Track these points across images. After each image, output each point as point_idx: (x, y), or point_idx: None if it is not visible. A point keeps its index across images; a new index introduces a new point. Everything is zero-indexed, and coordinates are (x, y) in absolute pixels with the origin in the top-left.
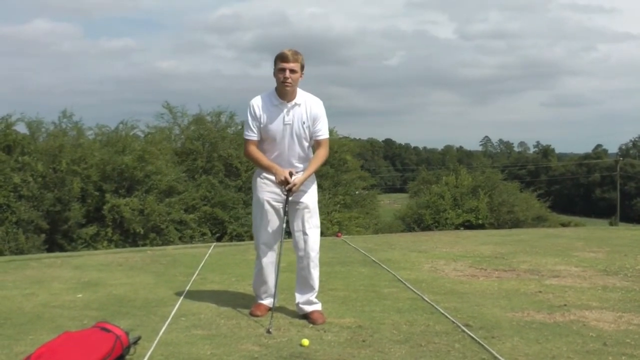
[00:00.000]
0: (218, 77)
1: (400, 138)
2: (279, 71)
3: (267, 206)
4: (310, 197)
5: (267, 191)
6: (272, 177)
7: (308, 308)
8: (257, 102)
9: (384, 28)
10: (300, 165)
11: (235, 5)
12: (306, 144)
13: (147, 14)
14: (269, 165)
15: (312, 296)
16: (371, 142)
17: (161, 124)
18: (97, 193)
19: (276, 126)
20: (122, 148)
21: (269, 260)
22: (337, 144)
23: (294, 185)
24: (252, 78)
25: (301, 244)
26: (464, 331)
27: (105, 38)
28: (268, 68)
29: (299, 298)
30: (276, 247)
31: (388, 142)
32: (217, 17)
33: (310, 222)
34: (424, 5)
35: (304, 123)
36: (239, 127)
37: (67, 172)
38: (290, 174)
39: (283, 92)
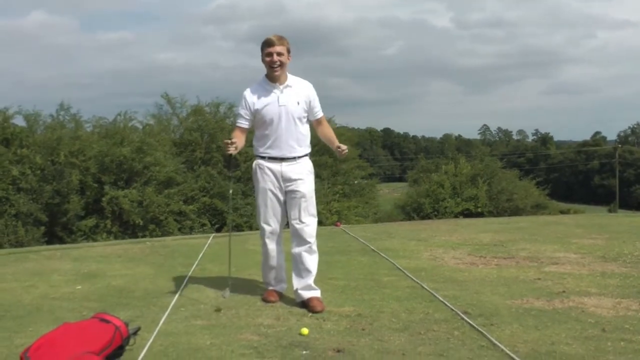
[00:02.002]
0: (215, 68)
1: (398, 127)
2: (266, 56)
3: (270, 194)
4: (308, 186)
5: (267, 180)
6: (270, 165)
7: (307, 294)
8: (248, 92)
9: (382, 18)
10: (299, 148)
11: None
12: (301, 125)
13: (143, 6)
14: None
15: (310, 280)
16: (370, 132)
17: (160, 115)
18: (95, 185)
19: (271, 109)
20: (121, 140)
21: (276, 247)
22: (335, 133)
23: (344, 150)
24: (249, 69)
25: (298, 232)
26: (463, 319)
27: (102, 31)
28: None
29: (297, 283)
30: (281, 233)
31: (387, 132)
32: (214, 8)
33: (307, 211)
34: None
35: (298, 103)
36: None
37: (65, 164)
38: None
39: (273, 76)
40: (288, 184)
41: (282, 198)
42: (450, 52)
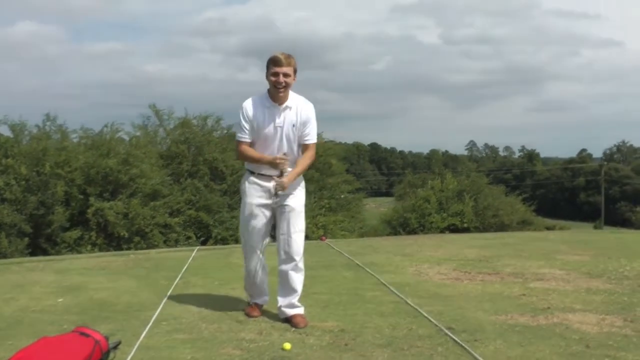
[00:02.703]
0: (204, 81)
1: (386, 142)
2: (272, 75)
3: (255, 210)
4: (298, 201)
5: (256, 196)
6: (261, 182)
7: (290, 311)
8: (248, 104)
9: (370, 33)
10: (290, 169)
11: (221, 9)
12: (295, 147)
13: (132, 17)
14: (260, 157)
15: (295, 299)
16: (357, 146)
17: (146, 126)
18: (81, 196)
19: (267, 128)
20: (107, 151)
21: (259, 262)
22: (322, 147)
23: (283, 183)
24: (238, 82)
25: (285, 247)
26: (446, 334)
27: (90, 42)
28: (254, 72)
29: (282, 301)
30: (264, 249)
31: (374, 146)
32: (203, 21)
33: (296, 226)
34: (410, 10)
35: (293, 126)
36: (225, 131)
37: (50, 175)
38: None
39: (276, 96)
40: (277, 199)
41: (269, 214)
42: (438, 67)
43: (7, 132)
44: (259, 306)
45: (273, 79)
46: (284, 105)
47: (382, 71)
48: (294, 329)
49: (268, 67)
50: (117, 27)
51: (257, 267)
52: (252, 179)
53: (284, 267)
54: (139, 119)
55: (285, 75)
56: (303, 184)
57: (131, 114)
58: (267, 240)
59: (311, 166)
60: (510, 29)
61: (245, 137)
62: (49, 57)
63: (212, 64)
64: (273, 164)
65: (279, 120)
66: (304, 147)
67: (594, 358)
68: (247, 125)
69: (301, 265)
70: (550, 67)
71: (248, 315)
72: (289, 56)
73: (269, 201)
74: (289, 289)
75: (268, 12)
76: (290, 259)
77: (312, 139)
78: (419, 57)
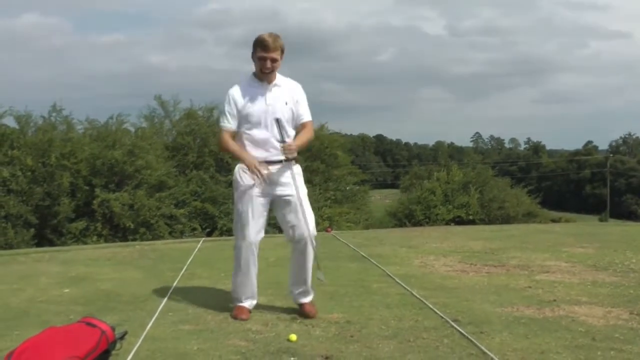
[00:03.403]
0: (208, 72)
1: (391, 134)
2: (259, 59)
3: (253, 200)
4: (300, 188)
5: (250, 185)
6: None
7: (304, 299)
8: (235, 90)
9: (375, 24)
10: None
11: (225, 0)
12: (288, 127)
13: (137, 8)
14: (240, 153)
15: (309, 284)
16: (362, 138)
17: (152, 118)
18: (86, 187)
19: (258, 108)
20: (112, 142)
21: (253, 260)
22: (328, 139)
23: (291, 145)
24: (243, 74)
25: (300, 232)
26: (452, 326)
27: (95, 33)
28: None
29: (296, 288)
30: (258, 244)
31: (379, 138)
32: (207, 12)
33: (307, 211)
34: (415, 1)
35: (286, 103)
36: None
37: (56, 166)
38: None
39: (262, 76)
40: (280, 188)
41: (266, 205)
42: (443, 59)
43: (12, 124)
44: (247, 309)
45: (260, 62)
46: (272, 83)
47: (387, 62)
48: (299, 320)
49: (255, 49)
50: (122, 18)
51: (252, 265)
52: (246, 168)
53: (299, 255)
54: (145, 110)
55: (273, 60)
56: (299, 170)
57: (136, 105)
58: (262, 234)
59: (310, 144)
60: (517, 20)
61: (229, 125)
62: (54, 49)
63: (216, 55)
64: (249, 165)
65: (269, 99)
66: (301, 127)
67: (600, 351)
68: (232, 111)
69: (313, 248)
70: (557, 59)
71: (236, 317)
72: (276, 38)
73: (266, 190)
74: (304, 276)
75: (273, 3)
76: (308, 241)
77: (307, 116)
78: (425, 49)
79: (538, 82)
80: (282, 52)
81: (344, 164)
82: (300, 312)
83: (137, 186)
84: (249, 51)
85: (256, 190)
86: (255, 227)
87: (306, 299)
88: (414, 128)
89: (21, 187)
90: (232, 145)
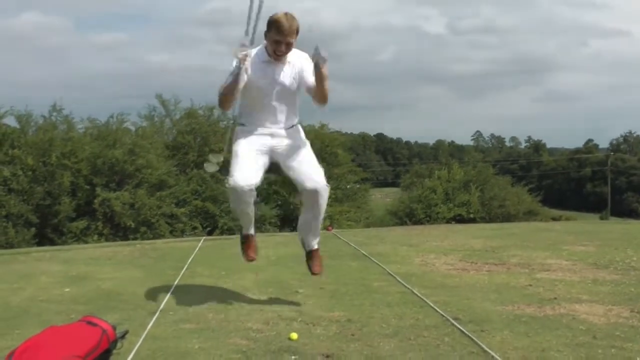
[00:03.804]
0: (209, 71)
1: (391, 132)
2: (274, 42)
3: (254, 149)
4: (304, 145)
5: (253, 140)
6: (257, 131)
7: (313, 242)
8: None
9: (376, 23)
10: (287, 121)
11: None
12: (293, 99)
13: (137, 7)
14: (232, 79)
15: (316, 242)
16: (363, 137)
17: (153, 117)
18: (87, 187)
19: (265, 82)
20: (113, 142)
21: (252, 202)
22: (328, 138)
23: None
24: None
25: (310, 182)
26: (453, 325)
27: (95, 32)
28: None
29: (306, 236)
30: (255, 186)
31: (380, 137)
32: (208, 11)
33: (313, 162)
34: (415, 0)
35: (294, 79)
36: (232, 121)
37: (57, 165)
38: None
39: (274, 57)
40: (283, 144)
41: (266, 160)
42: (443, 58)
43: (13, 123)
44: (254, 239)
45: (274, 46)
46: (283, 61)
47: (387, 61)
48: (300, 318)
49: (269, 29)
50: (122, 17)
51: (251, 207)
52: (245, 128)
53: (310, 214)
54: (145, 110)
55: (288, 44)
56: (303, 136)
57: (137, 104)
58: (257, 181)
59: (327, 98)
60: (517, 18)
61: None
62: (54, 48)
63: (217, 54)
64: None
65: (277, 74)
66: (311, 90)
67: (600, 349)
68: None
69: (326, 196)
70: (557, 57)
71: (247, 258)
72: (292, 20)
73: (268, 142)
74: (315, 222)
75: (273, 3)
76: (321, 190)
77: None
78: (425, 47)
79: (538, 80)
80: (297, 33)
81: (345, 163)
82: (308, 262)
83: (137, 185)
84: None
85: (257, 144)
86: (254, 171)
87: (315, 242)
88: (414, 127)
89: (22, 187)
90: (225, 81)
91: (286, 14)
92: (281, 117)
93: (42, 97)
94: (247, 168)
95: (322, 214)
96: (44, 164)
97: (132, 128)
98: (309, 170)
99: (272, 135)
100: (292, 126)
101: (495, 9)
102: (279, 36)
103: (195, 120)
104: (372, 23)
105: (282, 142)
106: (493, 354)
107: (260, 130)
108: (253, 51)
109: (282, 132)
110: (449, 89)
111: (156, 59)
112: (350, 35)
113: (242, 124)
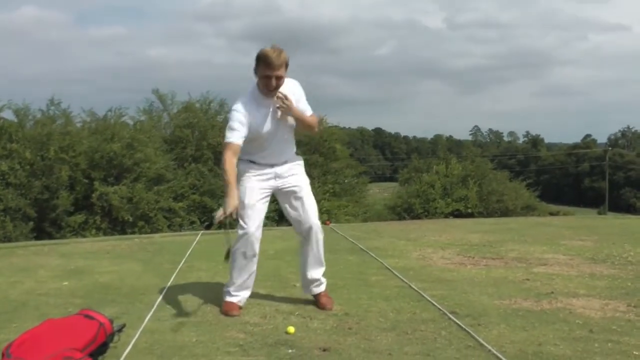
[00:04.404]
0: (208, 65)
1: (390, 127)
2: (264, 77)
3: (256, 193)
4: (302, 178)
5: (254, 179)
6: (260, 168)
7: (317, 290)
8: (240, 107)
9: (375, 17)
10: (288, 151)
11: None
12: (291, 131)
13: (136, 1)
14: (229, 186)
15: (322, 273)
16: (361, 131)
17: (151, 111)
18: (85, 181)
19: (267, 125)
20: (111, 135)
21: (256, 251)
22: (326, 132)
23: (287, 98)
24: (242, 67)
25: (305, 224)
26: (450, 319)
27: (94, 26)
28: None
29: (309, 281)
30: (259, 234)
31: (378, 131)
32: (207, 5)
33: (309, 202)
34: None
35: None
36: (228, 114)
37: (55, 159)
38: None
39: (266, 93)
40: (284, 181)
41: (268, 199)
42: (442, 52)
43: (11, 117)
44: (237, 304)
45: (264, 81)
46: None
47: (386, 56)
48: (297, 312)
49: (258, 65)
50: (121, 11)
51: (254, 256)
52: (251, 164)
53: (311, 240)
54: (143, 104)
55: (278, 78)
56: (302, 162)
57: (135, 98)
58: (260, 228)
59: (313, 127)
60: (516, 13)
61: (234, 139)
62: (53, 42)
63: (216, 48)
64: (227, 206)
65: (274, 115)
66: None
67: (597, 343)
68: (239, 127)
69: (322, 235)
70: (556, 52)
71: (226, 313)
72: (280, 54)
73: (271, 183)
74: (318, 262)
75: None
76: (315, 229)
77: (308, 111)
78: (424, 42)
79: (537, 75)
80: (287, 66)
81: (343, 157)
82: (317, 304)
83: (135, 179)
84: (248, 45)
85: (258, 182)
86: (257, 218)
87: (320, 289)
88: (413, 121)
89: (20, 181)
90: (229, 170)
91: (274, 48)
92: (285, 148)
93: (40, 91)
94: (256, 217)
95: (322, 247)
96: (42, 158)
97: (130, 122)
98: (306, 214)
99: (275, 177)
100: (294, 158)
101: (495, 3)
102: (268, 71)
103: (193, 114)
104: (371, 17)
105: (284, 184)
106: (490, 347)
107: (264, 171)
108: (245, 96)
109: (285, 167)
110: (447, 83)
111: (155, 52)
112: (349, 29)
113: (245, 159)
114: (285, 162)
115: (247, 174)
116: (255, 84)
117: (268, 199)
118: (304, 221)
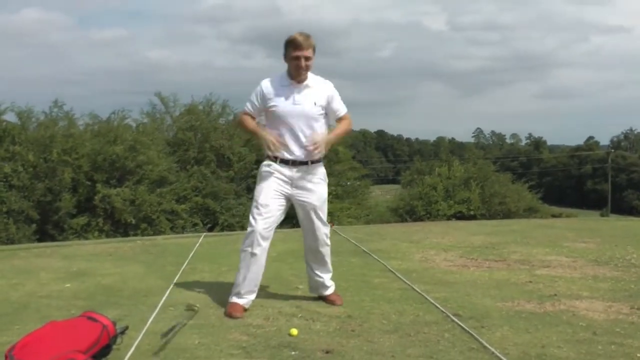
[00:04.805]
0: (209, 68)
1: (392, 129)
2: (293, 59)
3: (273, 193)
4: (320, 195)
5: (275, 182)
6: (282, 170)
7: (326, 291)
8: (266, 83)
9: (376, 19)
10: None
11: None
12: (316, 125)
13: (137, 3)
14: (254, 129)
15: (329, 278)
16: (363, 133)
17: (153, 114)
18: (88, 183)
19: (286, 106)
20: (114, 138)
21: (264, 253)
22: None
23: (317, 144)
24: (243, 69)
25: (312, 239)
26: (453, 321)
27: (96, 28)
28: (259, 59)
29: (316, 288)
30: (270, 238)
31: (380, 134)
32: (208, 7)
33: (321, 220)
34: None
35: (315, 104)
36: (230, 117)
37: (58, 162)
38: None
39: (296, 76)
40: (299, 192)
41: (285, 203)
42: (444, 54)
43: (14, 119)
44: (241, 306)
45: (294, 62)
46: (304, 84)
47: (388, 58)
48: (300, 314)
49: (287, 49)
50: (122, 13)
51: (262, 258)
52: (273, 165)
53: (317, 253)
54: (146, 106)
55: (307, 58)
56: (324, 174)
57: (137, 101)
58: (272, 229)
59: (349, 132)
60: (518, 15)
61: (250, 110)
62: (55, 44)
63: (217, 50)
64: (264, 140)
65: (298, 98)
66: (338, 121)
67: (600, 345)
68: (257, 103)
69: (329, 248)
70: (558, 54)
71: (230, 315)
72: (307, 37)
73: (287, 190)
74: (321, 271)
75: (276, 1)
76: (323, 246)
77: (343, 110)
78: (425, 44)
79: (539, 77)
80: (314, 50)
81: (345, 159)
82: (325, 301)
83: (138, 182)
84: (249, 47)
85: (278, 186)
86: (271, 220)
87: (330, 290)
88: (415, 124)
89: (23, 183)
90: (249, 122)
91: (301, 33)
92: (304, 141)
93: (43, 93)
94: (267, 217)
95: (329, 256)
96: (45, 160)
97: (133, 124)
98: (314, 235)
99: (291, 184)
100: (318, 160)
101: (496, 5)
102: (297, 51)
103: (196, 116)
104: (372, 19)
105: (299, 194)
106: (493, 350)
107: (283, 172)
108: (275, 76)
109: (304, 175)
110: (449, 85)
111: (155, 55)
112: (350, 31)
113: (269, 156)
114: (307, 166)
115: (264, 172)
116: (286, 71)
117: (283, 201)
118: (311, 241)
